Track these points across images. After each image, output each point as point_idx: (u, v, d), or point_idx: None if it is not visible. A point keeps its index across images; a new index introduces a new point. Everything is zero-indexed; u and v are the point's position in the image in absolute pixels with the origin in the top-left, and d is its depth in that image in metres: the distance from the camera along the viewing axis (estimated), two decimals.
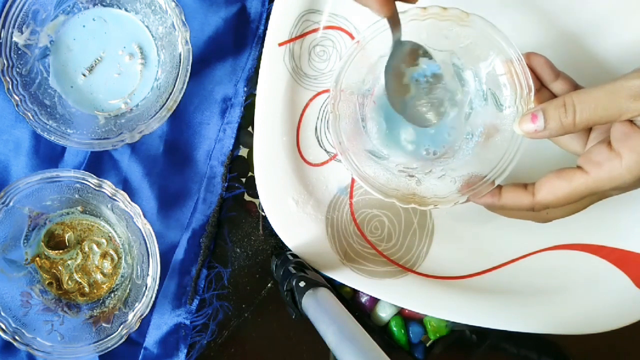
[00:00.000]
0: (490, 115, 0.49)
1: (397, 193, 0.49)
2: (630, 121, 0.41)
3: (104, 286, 0.58)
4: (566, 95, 0.42)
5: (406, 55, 0.48)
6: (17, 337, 0.52)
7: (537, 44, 0.54)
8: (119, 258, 0.58)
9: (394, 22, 0.46)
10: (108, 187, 0.53)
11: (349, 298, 0.60)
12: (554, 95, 0.48)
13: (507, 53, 0.47)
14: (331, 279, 0.58)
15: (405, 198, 0.48)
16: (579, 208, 0.47)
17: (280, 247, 0.59)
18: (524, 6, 0.55)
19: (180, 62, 0.53)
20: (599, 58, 0.55)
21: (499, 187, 0.47)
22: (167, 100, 0.54)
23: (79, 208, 0.57)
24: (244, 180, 0.60)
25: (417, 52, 0.49)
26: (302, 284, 0.52)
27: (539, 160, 0.51)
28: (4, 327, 0.52)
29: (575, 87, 0.47)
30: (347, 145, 0.50)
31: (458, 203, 0.48)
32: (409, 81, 0.49)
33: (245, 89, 0.59)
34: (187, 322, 0.58)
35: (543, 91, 0.48)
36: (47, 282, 0.57)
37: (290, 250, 0.58)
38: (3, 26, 0.52)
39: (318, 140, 0.58)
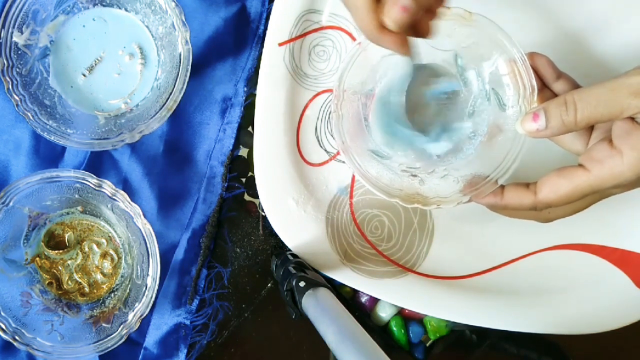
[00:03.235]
0: (493, 115, 0.49)
1: (400, 193, 0.49)
2: (632, 118, 0.41)
3: (104, 286, 0.58)
4: (567, 93, 0.42)
5: (426, 77, 0.49)
6: (17, 337, 0.52)
7: (538, 43, 0.54)
8: (119, 258, 0.58)
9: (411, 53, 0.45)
10: (108, 187, 0.53)
11: (349, 298, 0.60)
12: (555, 96, 0.47)
13: (511, 53, 0.47)
14: (331, 279, 0.58)
15: (409, 198, 0.48)
16: (580, 207, 0.46)
17: (280, 247, 0.59)
18: (526, 5, 0.55)
19: (180, 62, 0.53)
20: (600, 58, 0.55)
21: (501, 186, 0.47)
22: (167, 100, 0.54)
23: (79, 208, 0.56)
24: (244, 180, 0.60)
25: (435, 73, 0.49)
26: (302, 284, 0.52)
27: (542, 160, 0.51)
28: (4, 327, 0.52)
29: (576, 87, 0.47)
30: (350, 145, 0.50)
31: (461, 203, 0.48)
32: (427, 100, 0.50)
33: (245, 89, 0.59)
34: (187, 322, 0.58)
35: (545, 91, 0.48)
36: (47, 282, 0.57)
37: (290, 250, 0.57)
38: (3, 26, 0.52)
39: (318, 140, 0.58)
